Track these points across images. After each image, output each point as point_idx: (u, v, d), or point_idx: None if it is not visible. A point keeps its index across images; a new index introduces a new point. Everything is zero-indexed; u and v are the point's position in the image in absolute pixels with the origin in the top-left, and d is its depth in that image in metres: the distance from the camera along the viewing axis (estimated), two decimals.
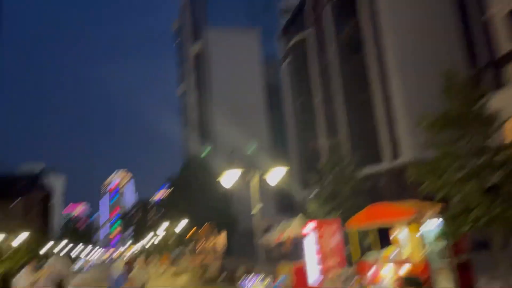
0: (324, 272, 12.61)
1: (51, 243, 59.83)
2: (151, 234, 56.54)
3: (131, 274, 15.10)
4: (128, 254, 60.73)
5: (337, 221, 13.92)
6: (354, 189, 17.37)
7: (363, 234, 16.21)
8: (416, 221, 11.07)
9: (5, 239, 30.53)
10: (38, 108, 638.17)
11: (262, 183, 11.41)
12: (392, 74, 29.45)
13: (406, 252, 11.77)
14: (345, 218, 14.89)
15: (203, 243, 37.22)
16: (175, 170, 55.57)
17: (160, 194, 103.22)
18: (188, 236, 42.34)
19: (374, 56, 31.13)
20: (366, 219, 13.32)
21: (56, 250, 58.60)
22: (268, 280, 10.13)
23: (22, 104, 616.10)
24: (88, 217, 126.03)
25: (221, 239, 53.49)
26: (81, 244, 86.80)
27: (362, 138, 31.39)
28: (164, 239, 45.25)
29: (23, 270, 9.40)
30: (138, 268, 14.30)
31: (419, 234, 11.06)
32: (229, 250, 49.69)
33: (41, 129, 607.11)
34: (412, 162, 24.99)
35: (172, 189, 49.25)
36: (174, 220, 33.30)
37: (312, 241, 13.20)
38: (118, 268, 14.55)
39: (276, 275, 13.70)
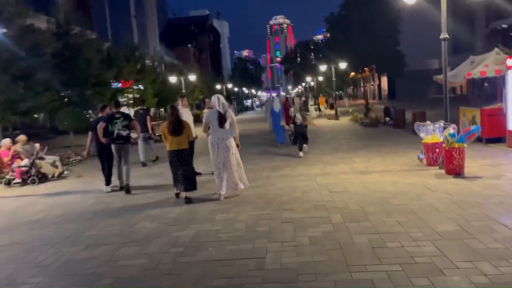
0: None
1: (222, 83, 65.58)
2: (310, 77, 56.61)
3: (289, 112, 15.04)
4: (287, 95, 63.10)
5: None
6: None
7: None
8: None
9: (182, 79, 33.67)
10: None
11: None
12: None
13: None
14: None
15: (364, 86, 35.20)
16: (335, 9, 51.45)
17: (320, 36, 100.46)
18: (348, 78, 40.57)
19: None
20: None
21: (227, 89, 64.22)
22: (451, 128, 7.94)
23: None
24: (254, 60, 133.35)
25: (384, 82, 50.41)
26: (248, 85, 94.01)
27: None
28: (323, 82, 44.59)
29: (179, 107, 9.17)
30: (295, 107, 13.79)
31: None
32: (392, 93, 46.87)
33: None
34: None
35: (332, 29, 46.30)
36: (334, 62, 31.43)
37: None
38: (277, 107, 15.16)
39: (458, 122, 11.33)
